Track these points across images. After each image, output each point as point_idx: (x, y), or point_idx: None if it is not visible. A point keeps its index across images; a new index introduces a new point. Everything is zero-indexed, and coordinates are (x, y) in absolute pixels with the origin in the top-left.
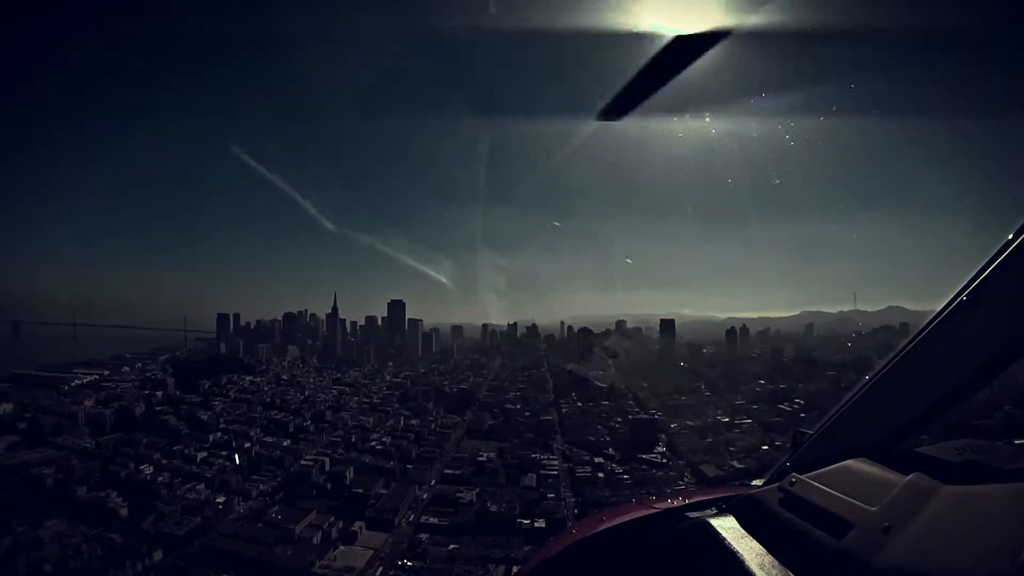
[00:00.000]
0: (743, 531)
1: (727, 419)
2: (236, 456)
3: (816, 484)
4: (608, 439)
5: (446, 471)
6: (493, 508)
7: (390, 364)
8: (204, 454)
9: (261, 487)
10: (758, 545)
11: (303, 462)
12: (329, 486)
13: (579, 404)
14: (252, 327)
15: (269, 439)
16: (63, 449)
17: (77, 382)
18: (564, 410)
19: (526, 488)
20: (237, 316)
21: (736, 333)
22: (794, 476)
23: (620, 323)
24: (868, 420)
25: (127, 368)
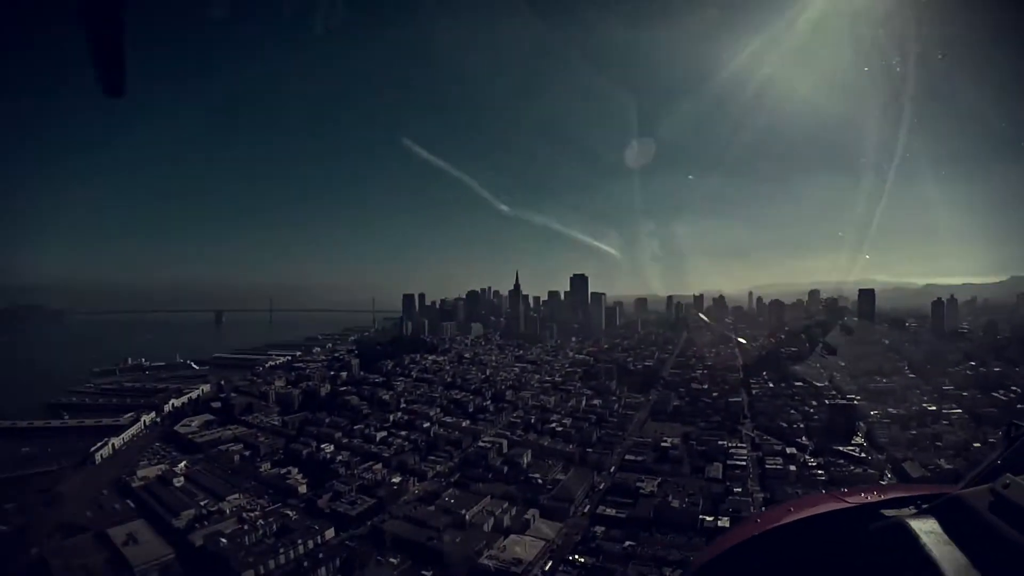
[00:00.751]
0: (946, 537)
1: (933, 407)
2: (414, 436)
3: None
4: (801, 426)
5: (627, 457)
6: (675, 503)
7: (573, 340)
8: (383, 434)
9: (437, 468)
10: (961, 555)
11: (480, 443)
12: (505, 469)
13: (770, 385)
14: (436, 306)
15: (448, 419)
16: (252, 427)
17: (271, 363)
18: (754, 391)
19: (711, 480)
20: (422, 296)
21: (943, 305)
22: (1008, 477)
23: (814, 294)
24: None
25: (318, 349)
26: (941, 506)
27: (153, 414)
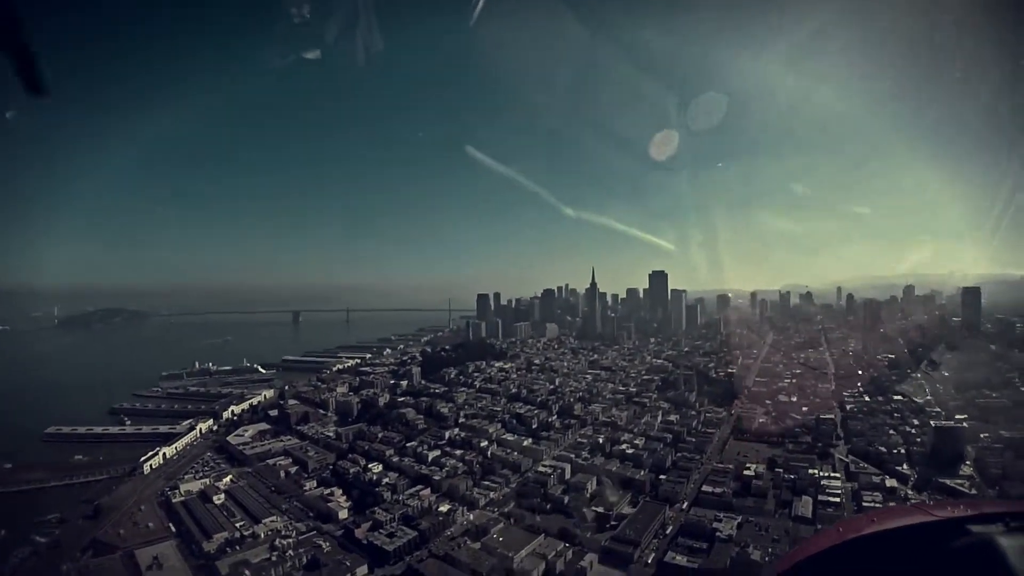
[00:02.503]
0: None
1: None
2: (470, 457)
3: None
4: (902, 451)
5: (704, 488)
6: (755, 553)
7: (651, 341)
8: (437, 453)
9: (491, 495)
10: None
11: (541, 468)
12: (566, 499)
13: (865, 398)
14: (512, 305)
15: (509, 436)
16: (306, 438)
17: (338, 366)
18: (848, 406)
19: (798, 519)
20: (497, 295)
21: None
22: None
23: (909, 290)
24: None
25: (388, 350)
26: None
27: (211, 421)
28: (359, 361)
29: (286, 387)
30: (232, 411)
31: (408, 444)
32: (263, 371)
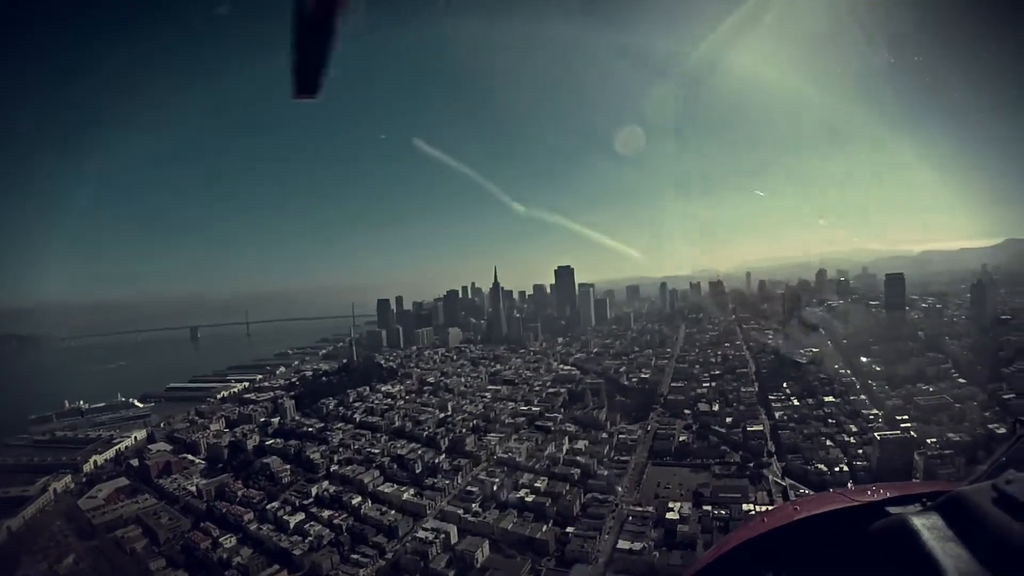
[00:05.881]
0: (949, 533)
1: (1002, 428)
2: (339, 520)
3: None
4: (844, 467)
5: (620, 544)
6: None
7: (559, 342)
8: (300, 516)
9: (361, 573)
10: (964, 551)
11: (422, 532)
12: (451, 574)
13: (794, 401)
14: (415, 310)
15: (387, 488)
16: (164, 497)
17: (222, 394)
18: (777, 414)
19: None
20: (400, 299)
21: (983, 285)
22: (1011, 473)
23: (821, 274)
24: None
25: (283, 368)
26: (944, 503)
27: (69, 477)
28: (247, 384)
29: (162, 424)
30: (95, 461)
31: (270, 505)
32: (140, 405)
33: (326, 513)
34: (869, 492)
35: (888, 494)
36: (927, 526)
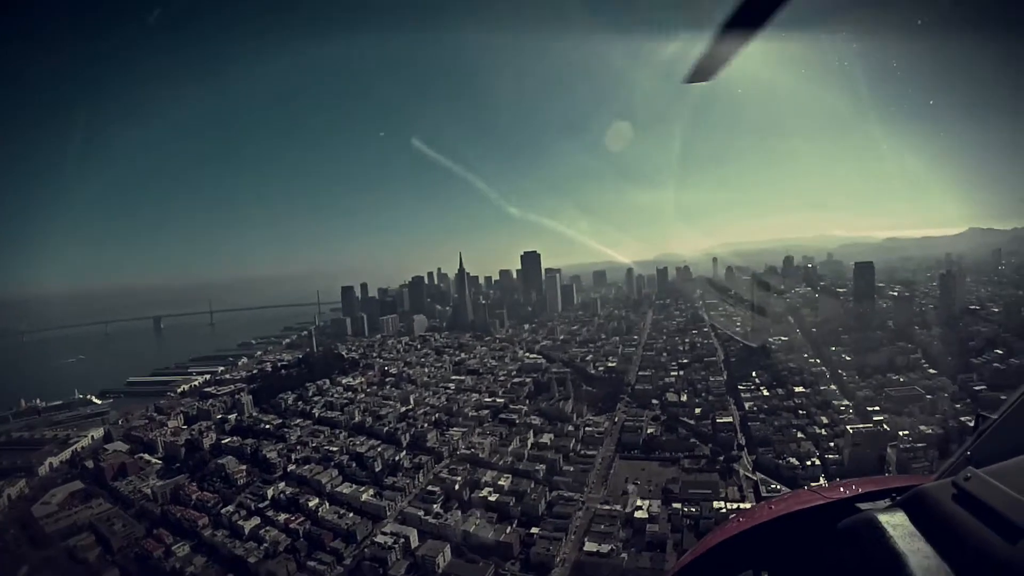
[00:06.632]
0: (913, 529)
1: (971, 419)
2: (296, 524)
3: (994, 481)
4: (816, 461)
5: (586, 546)
6: None
7: (526, 328)
8: (256, 521)
9: None
10: (927, 547)
11: (381, 536)
12: None
13: (764, 392)
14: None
15: (346, 489)
16: (119, 500)
17: (183, 388)
18: (747, 404)
19: None
20: (364, 286)
21: (952, 276)
22: (970, 470)
23: (788, 260)
24: None
25: (246, 359)
26: (908, 500)
27: (23, 482)
28: (208, 377)
29: (119, 421)
30: (50, 464)
31: (224, 509)
32: (98, 402)
33: (282, 517)
34: (841, 488)
35: (860, 490)
36: (892, 523)
